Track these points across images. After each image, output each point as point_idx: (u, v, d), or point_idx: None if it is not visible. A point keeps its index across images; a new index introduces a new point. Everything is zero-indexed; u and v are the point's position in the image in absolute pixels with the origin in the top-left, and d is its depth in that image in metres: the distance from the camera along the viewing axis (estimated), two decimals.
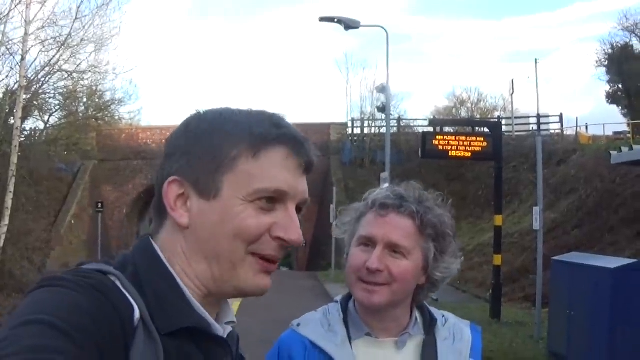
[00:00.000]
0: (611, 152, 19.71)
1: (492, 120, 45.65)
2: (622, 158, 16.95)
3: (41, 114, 36.43)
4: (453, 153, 20.06)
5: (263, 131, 1.50)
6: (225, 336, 1.54)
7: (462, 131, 25.04)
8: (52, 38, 29.80)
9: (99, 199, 41.86)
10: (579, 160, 33.22)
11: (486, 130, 22.26)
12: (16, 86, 26.80)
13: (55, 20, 29.48)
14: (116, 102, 41.75)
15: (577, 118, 57.96)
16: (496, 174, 20.39)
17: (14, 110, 26.11)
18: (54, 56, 30.11)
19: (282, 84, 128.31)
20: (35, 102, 32.74)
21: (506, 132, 41.57)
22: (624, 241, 23.19)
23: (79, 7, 30.00)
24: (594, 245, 23.39)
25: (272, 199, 1.48)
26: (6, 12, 26.92)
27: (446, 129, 28.39)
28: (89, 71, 33.84)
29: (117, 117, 47.40)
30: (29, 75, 28.91)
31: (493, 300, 19.30)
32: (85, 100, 40.38)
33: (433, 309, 2.61)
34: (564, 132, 46.70)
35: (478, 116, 55.32)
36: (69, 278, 1.34)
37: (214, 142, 1.50)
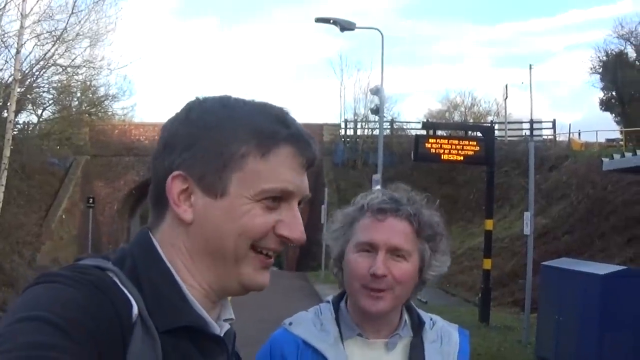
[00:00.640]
0: (603, 159, 19.78)
1: (485, 124, 45.62)
2: (614, 165, 17.02)
3: (35, 107, 36.44)
4: (445, 156, 20.08)
5: (272, 130, 1.49)
6: (222, 334, 1.53)
7: (454, 135, 25.00)
8: (47, 32, 29.83)
9: (90, 194, 41.72)
10: (571, 167, 33.27)
11: (479, 134, 22.30)
12: (10, 79, 26.76)
13: (51, 14, 29.51)
14: (110, 97, 41.87)
15: (570, 124, 57.71)
16: (488, 178, 20.42)
17: (8, 104, 26.05)
18: (49, 50, 30.12)
19: (276, 83, 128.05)
20: (29, 96, 32.70)
21: (499, 136, 41.58)
22: (614, 248, 23.23)
23: (75, 2, 30.02)
24: (584, 252, 23.41)
25: (278, 198, 1.48)
26: (2, 5, 26.99)
27: (439, 133, 28.37)
28: (84, 66, 33.87)
29: (110, 113, 47.53)
30: (24, 69, 28.83)
31: (482, 304, 19.31)
32: (79, 95, 40.43)
33: (421, 312, 2.63)
34: (557, 138, 46.73)
35: (471, 120, 55.27)
36: (66, 274, 1.33)
37: (221, 138, 1.48)
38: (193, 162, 1.47)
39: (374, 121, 44.38)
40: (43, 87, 33.27)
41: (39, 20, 28.90)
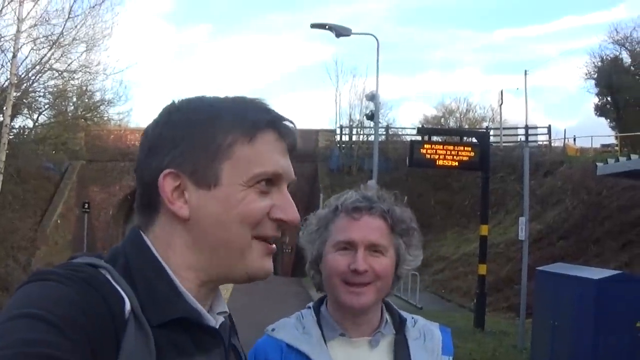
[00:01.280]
0: (597, 163, 19.80)
1: (480, 130, 45.67)
2: (608, 170, 17.05)
3: (30, 112, 36.36)
4: (440, 162, 20.14)
5: (255, 116, 1.52)
6: (217, 326, 1.54)
7: (450, 140, 25.04)
8: (44, 36, 29.83)
9: (85, 199, 41.67)
10: (566, 172, 33.28)
11: (474, 140, 22.32)
12: (6, 83, 26.75)
13: (47, 19, 29.54)
14: (106, 102, 41.63)
15: (565, 130, 57.84)
16: (483, 184, 20.47)
17: (4, 108, 26.05)
18: (45, 55, 30.11)
19: (271, 89, 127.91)
20: (25, 100, 32.64)
21: (494, 142, 41.54)
22: (609, 253, 23.26)
23: (71, 7, 30.10)
24: (579, 257, 23.45)
25: (269, 182, 1.50)
26: None
27: (434, 138, 28.39)
28: (80, 71, 33.83)
29: (106, 118, 47.33)
30: (20, 73, 28.87)
31: (477, 310, 19.36)
32: (75, 99, 40.33)
33: (402, 312, 2.67)
34: (552, 144, 46.68)
35: (466, 126, 55.28)
36: (59, 272, 1.34)
37: (207, 131, 1.50)
38: (182, 159, 1.49)
39: (370, 127, 44.22)
40: (39, 91, 33.23)
41: (35, 25, 28.98)
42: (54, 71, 31.80)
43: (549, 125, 48.55)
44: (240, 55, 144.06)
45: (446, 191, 40.26)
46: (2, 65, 28.35)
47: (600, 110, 49.45)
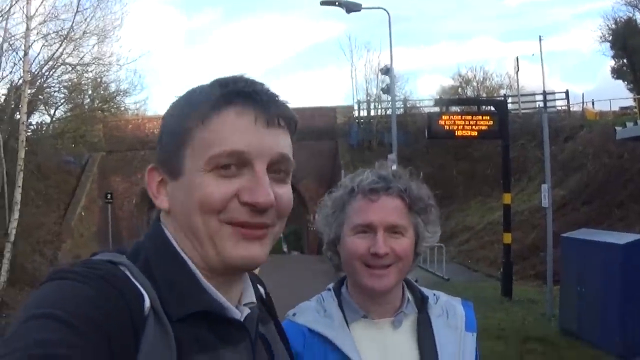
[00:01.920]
0: (616, 128, 19.68)
1: (497, 98, 45.38)
2: (628, 133, 16.97)
3: (47, 107, 36.55)
4: (459, 133, 20.07)
5: (207, 94, 1.47)
6: (243, 318, 1.53)
7: (468, 110, 24.93)
8: (54, 32, 29.96)
9: (108, 190, 41.76)
10: (586, 136, 33.10)
11: (492, 108, 22.19)
12: (20, 81, 26.84)
13: (56, 14, 29.64)
14: (121, 93, 41.83)
15: (583, 94, 57.36)
16: (503, 152, 20.39)
17: (20, 106, 26.12)
18: (57, 50, 30.27)
19: (286, 69, 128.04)
20: (40, 97, 32.80)
21: (512, 110, 41.31)
22: (633, 216, 23.13)
23: (79, 1, 30.14)
24: (603, 221, 23.33)
25: (233, 163, 1.44)
26: (7, 8, 26.97)
27: (452, 109, 28.28)
28: (93, 63, 34.04)
29: (123, 108, 47.51)
30: (33, 70, 28.92)
31: (504, 279, 19.32)
32: (90, 92, 40.47)
33: (423, 288, 2.65)
34: (571, 109, 46.44)
35: (484, 95, 54.95)
36: (78, 270, 1.34)
37: (172, 120, 1.51)
38: (160, 153, 1.52)
39: (387, 101, 44.17)
40: (54, 86, 33.43)
41: (44, 21, 29.06)
42: (67, 65, 31.98)
43: (567, 90, 48.22)
44: (253, 36, 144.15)
45: (467, 161, 40.14)
46: (14, 63, 28.54)
47: (617, 73, 49.03)
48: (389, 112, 42.50)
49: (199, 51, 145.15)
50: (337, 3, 27.98)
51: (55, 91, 34.21)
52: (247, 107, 1.45)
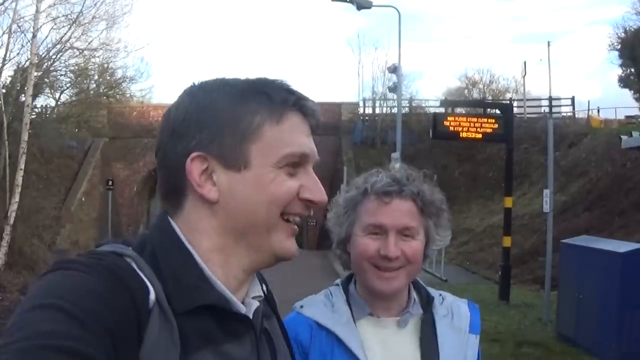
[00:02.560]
0: (622, 136, 19.69)
1: (503, 102, 45.47)
2: (632, 143, 16.95)
3: (52, 91, 36.53)
4: (464, 134, 20.06)
5: (282, 97, 1.51)
6: (251, 312, 1.54)
7: (473, 112, 24.91)
8: (63, 15, 29.91)
9: (109, 176, 41.86)
10: (590, 144, 33.19)
11: (497, 112, 22.18)
12: (27, 63, 26.80)
13: None
14: (127, 79, 41.89)
15: (588, 101, 57.76)
16: (507, 155, 20.37)
17: (25, 88, 26.07)
18: (65, 34, 30.22)
19: (294, 62, 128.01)
20: (46, 80, 32.81)
21: (518, 114, 41.42)
22: (633, 225, 23.13)
23: None
24: (603, 229, 23.33)
25: (297, 163, 1.51)
26: None
27: (458, 110, 28.29)
28: (100, 49, 34.05)
29: (128, 95, 47.60)
30: (40, 53, 28.90)
31: (502, 282, 19.32)
32: (96, 77, 40.45)
33: (430, 289, 2.67)
34: (576, 115, 46.55)
35: (490, 98, 54.96)
36: (82, 261, 1.32)
37: (233, 113, 1.49)
38: (209, 141, 1.48)
39: (393, 99, 44.27)
40: (60, 70, 33.39)
41: (54, 4, 28.98)
42: (75, 50, 31.93)
43: (573, 97, 48.50)
44: (261, 29, 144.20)
45: (470, 163, 40.26)
46: (22, 45, 28.48)
47: (624, 82, 48.99)
48: (394, 110, 42.53)
49: (205, 42, 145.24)
50: (347, 0, 28.02)
51: (61, 75, 34.20)
52: (308, 115, 1.56)
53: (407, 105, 48.03)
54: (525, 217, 29.58)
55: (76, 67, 34.45)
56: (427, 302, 2.58)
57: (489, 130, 19.87)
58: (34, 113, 32.30)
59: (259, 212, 1.47)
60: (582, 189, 29.19)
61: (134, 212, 45.48)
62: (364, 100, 50.35)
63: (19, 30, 27.74)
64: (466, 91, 58.03)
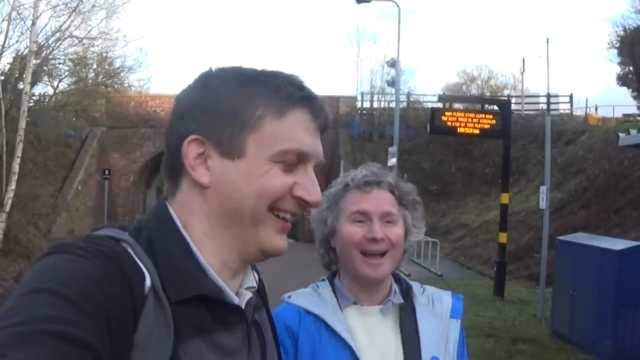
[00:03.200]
0: (619, 134, 19.68)
1: (501, 98, 45.49)
2: (630, 140, 16.93)
3: (50, 79, 36.50)
4: (462, 130, 20.07)
5: (289, 92, 1.51)
6: (243, 303, 1.54)
7: (471, 108, 24.90)
8: (63, 4, 29.91)
9: (106, 166, 41.80)
10: (588, 141, 33.20)
11: (495, 108, 22.18)
12: (26, 51, 26.75)
13: None
14: (126, 69, 41.84)
15: (586, 99, 57.50)
16: (504, 152, 20.40)
17: (24, 75, 26.03)
18: (64, 22, 30.27)
19: (292, 54, 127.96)
20: (45, 68, 32.80)
21: (515, 110, 41.43)
22: (629, 223, 23.17)
23: None
24: (600, 226, 23.37)
25: (294, 160, 1.50)
26: None
27: (455, 106, 28.27)
28: (100, 38, 34.09)
29: (126, 85, 47.57)
30: (40, 41, 28.89)
31: (497, 278, 19.37)
32: (95, 66, 40.49)
33: (412, 282, 2.79)
34: (573, 113, 46.57)
35: (488, 94, 55.10)
36: (79, 245, 1.32)
37: (239, 101, 1.49)
38: (209, 126, 1.48)
39: (391, 94, 44.22)
40: (59, 58, 33.38)
41: None
42: (74, 38, 31.97)
43: (571, 94, 48.53)
44: (260, 20, 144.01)
45: (467, 158, 40.22)
46: (21, 32, 28.47)
47: (622, 80, 48.99)
48: (392, 105, 42.53)
49: (204, 33, 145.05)
50: None
51: (60, 63, 34.19)
52: (314, 114, 1.54)
53: (405, 99, 47.98)
54: (521, 214, 29.61)
55: (75, 56, 34.48)
56: (406, 292, 2.70)
57: (486, 126, 19.88)
58: (32, 101, 32.27)
59: (245, 202, 1.46)
60: (578, 187, 29.20)
61: (130, 202, 45.44)
62: (362, 94, 50.23)
63: (18, 17, 27.74)
64: (464, 87, 58.17)
